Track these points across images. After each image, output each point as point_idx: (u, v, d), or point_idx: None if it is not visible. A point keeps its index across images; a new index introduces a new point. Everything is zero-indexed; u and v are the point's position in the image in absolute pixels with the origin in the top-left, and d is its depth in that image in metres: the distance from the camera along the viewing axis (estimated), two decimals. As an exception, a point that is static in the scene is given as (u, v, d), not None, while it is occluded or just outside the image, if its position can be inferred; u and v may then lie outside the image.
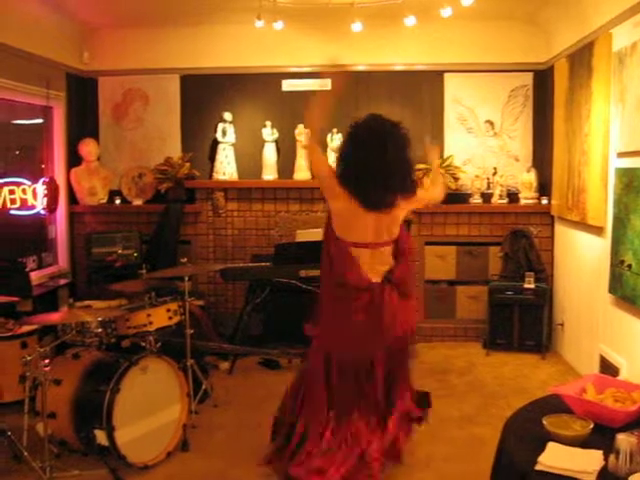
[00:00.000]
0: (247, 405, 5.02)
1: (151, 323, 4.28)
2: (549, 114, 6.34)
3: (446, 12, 5.42)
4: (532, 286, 6.13)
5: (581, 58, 5.37)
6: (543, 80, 6.58)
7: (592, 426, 2.32)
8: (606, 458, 2.14)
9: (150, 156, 6.92)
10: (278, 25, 5.91)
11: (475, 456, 4.00)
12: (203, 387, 4.87)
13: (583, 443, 2.27)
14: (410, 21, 5.71)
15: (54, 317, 4.08)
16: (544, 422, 2.37)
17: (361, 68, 6.72)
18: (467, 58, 6.59)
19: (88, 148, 6.73)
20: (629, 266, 4.44)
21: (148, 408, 3.94)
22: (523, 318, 6.20)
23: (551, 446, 2.25)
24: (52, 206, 6.12)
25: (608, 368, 4.85)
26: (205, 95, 6.91)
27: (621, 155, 4.68)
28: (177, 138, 6.96)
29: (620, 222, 4.61)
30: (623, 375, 4.57)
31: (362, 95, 6.77)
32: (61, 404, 3.78)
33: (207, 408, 4.87)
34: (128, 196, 6.94)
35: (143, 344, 4.28)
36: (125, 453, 3.72)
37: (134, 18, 6.50)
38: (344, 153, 3.68)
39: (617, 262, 4.65)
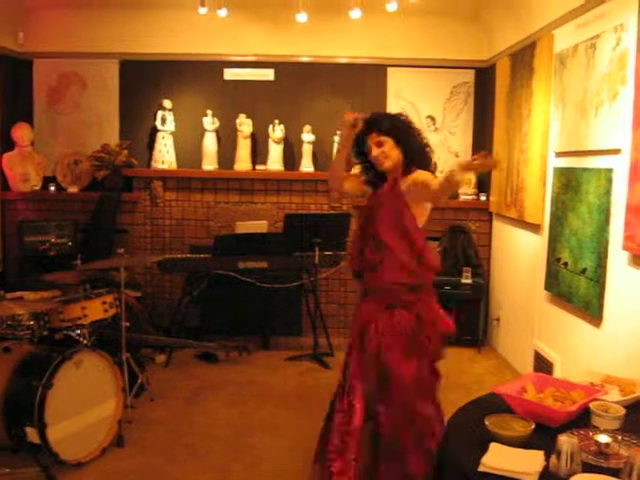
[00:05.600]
0: (184, 399, 4.95)
1: (86, 316, 4.17)
2: (490, 112, 6.41)
3: (392, 6, 5.39)
4: (469, 281, 6.20)
5: (523, 57, 5.43)
6: (485, 78, 6.65)
7: (533, 426, 2.34)
8: (547, 458, 2.16)
9: (87, 142, 6.71)
10: (222, 12, 5.79)
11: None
12: (139, 381, 4.76)
13: (525, 443, 2.29)
14: (355, 14, 5.67)
15: (-17, 309, 3.91)
16: (486, 422, 2.38)
17: (305, 59, 6.68)
18: (411, 53, 6.61)
19: (21, 132, 6.48)
20: (565, 264, 4.52)
21: (82, 403, 3.83)
22: (460, 313, 6.27)
23: (493, 447, 2.26)
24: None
25: (542, 363, 4.95)
26: (145, 81, 6.74)
27: (559, 155, 4.76)
28: (115, 125, 6.77)
29: (557, 220, 4.69)
30: (557, 370, 4.67)
31: (305, 87, 6.74)
32: (-10, 400, 3.64)
33: (143, 402, 4.78)
34: (63, 183, 6.73)
35: (77, 337, 4.17)
36: (57, 450, 3.61)
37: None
38: None
39: (553, 259, 4.74)
